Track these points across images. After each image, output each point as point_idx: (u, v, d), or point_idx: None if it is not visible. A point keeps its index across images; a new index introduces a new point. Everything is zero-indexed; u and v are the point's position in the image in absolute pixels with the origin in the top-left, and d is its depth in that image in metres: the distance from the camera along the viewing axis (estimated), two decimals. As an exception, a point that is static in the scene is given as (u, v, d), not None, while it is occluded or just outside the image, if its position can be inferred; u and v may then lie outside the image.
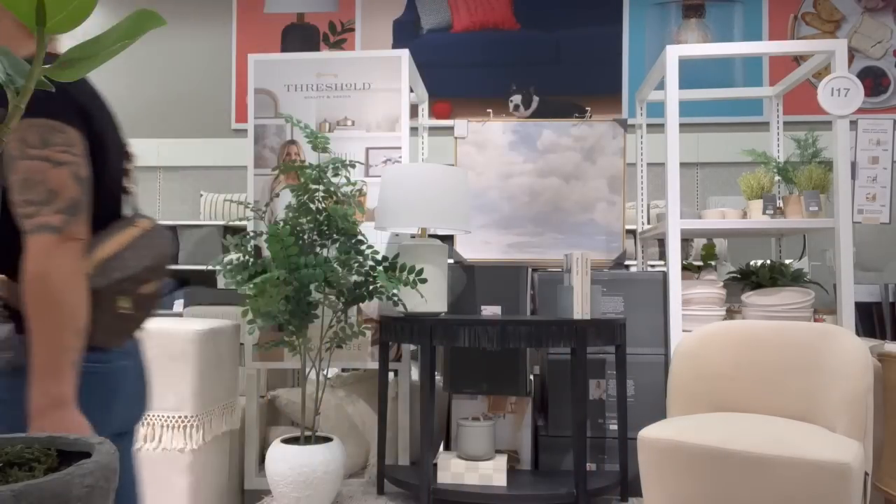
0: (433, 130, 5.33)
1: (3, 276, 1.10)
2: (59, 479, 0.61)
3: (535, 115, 5.30)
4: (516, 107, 5.32)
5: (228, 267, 2.46)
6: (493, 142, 3.16)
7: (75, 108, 1.11)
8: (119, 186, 1.25)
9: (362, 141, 2.99)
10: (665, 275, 2.88)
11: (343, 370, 3.62)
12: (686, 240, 4.65)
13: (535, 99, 5.33)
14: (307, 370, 2.82)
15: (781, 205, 2.95)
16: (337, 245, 2.59)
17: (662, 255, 4.78)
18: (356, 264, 2.58)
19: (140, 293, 1.18)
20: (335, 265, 2.49)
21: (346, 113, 3.01)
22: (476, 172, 3.17)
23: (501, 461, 2.60)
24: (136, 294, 1.17)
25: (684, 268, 3.41)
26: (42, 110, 1.05)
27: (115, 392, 1.21)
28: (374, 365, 2.89)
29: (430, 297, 2.62)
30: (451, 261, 3.13)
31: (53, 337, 1.04)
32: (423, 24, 5.45)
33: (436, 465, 2.68)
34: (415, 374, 3.46)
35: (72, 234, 1.06)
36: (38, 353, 1.04)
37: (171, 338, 2.41)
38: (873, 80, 5.06)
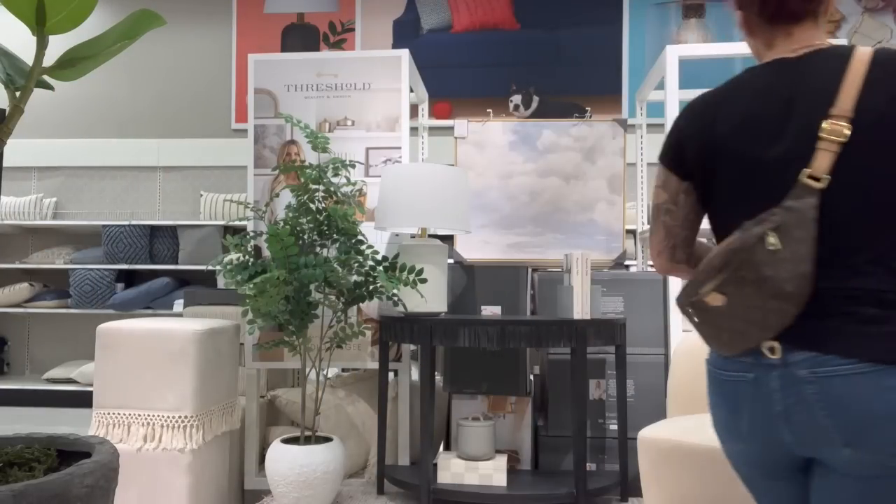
0: (433, 130, 5.33)
1: None
2: (59, 479, 0.61)
3: (535, 115, 5.30)
4: (516, 107, 5.32)
5: (228, 267, 2.46)
6: (493, 142, 3.17)
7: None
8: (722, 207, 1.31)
9: (362, 141, 3.00)
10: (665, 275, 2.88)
11: (343, 370, 3.62)
12: (686, 240, 4.65)
13: (535, 99, 5.33)
14: (307, 370, 2.82)
15: (781, 205, 2.95)
16: (337, 245, 2.59)
17: (662, 255, 4.76)
18: (356, 264, 2.58)
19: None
20: (335, 265, 2.49)
21: (346, 113, 3.01)
22: (476, 172, 3.17)
23: (501, 461, 2.60)
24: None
25: (684, 268, 3.40)
26: None
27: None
28: (374, 365, 2.90)
29: (430, 297, 2.62)
30: (451, 261, 3.13)
31: None
32: (423, 24, 5.45)
33: (436, 465, 2.69)
34: (415, 374, 3.46)
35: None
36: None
37: (171, 338, 2.41)
38: (873, 80, 5.06)
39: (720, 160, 1.20)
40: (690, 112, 1.26)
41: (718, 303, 1.12)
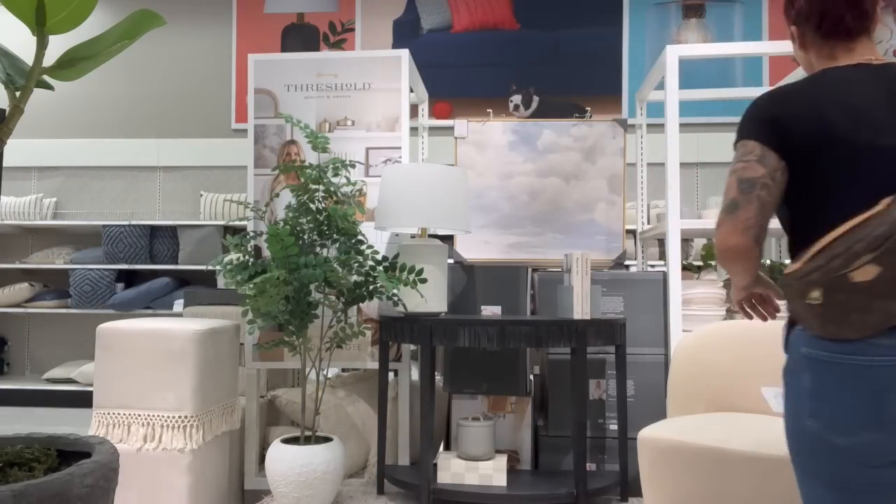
0: (433, 130, 5.33)
1: None
2: (59, 479, 0.61)
3: (535, 115, 5.30)
4: (516, 107, 5.32)
5: (228, 267, 2.46)
6: (493, 142, 3.17)
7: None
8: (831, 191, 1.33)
9: (362, 141, 2.99)
10: (665, 275, 2.88)
11: (343, 370, 3.62)
12: (686, 240, 4.65)
13: (535, 99, 5.33)
14: (307, 370, 2.83)
15: (781, 205, 2.95)
16: (337, 245, 2.59)
17: (662, 255, 4.78)
18: (356, 264, 2.58)
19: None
20: (335, 265, 2.49)
21: (346, 113, 3.01)
22: (476, 172, 3.17)
23: (501, 461, 2.60)
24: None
25: (684, 268, 3.41)
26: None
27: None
28: (374, 365, 2.90)
29: (430, 297, 2.62)
30: (451, 261, 3.13)
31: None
32: (423, 24, 5.45)
33: (436, 465, 2.69)
34: (415, 374, 3.46)
35: (720, 231, 1.34)
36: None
37: (171, 338, 2.41)
38: (873, 80, 5.06)
39: (825, 146, 1.24)
40: (784, 97, 1.30)
41: (870, 276, 1.10)
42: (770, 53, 2.84)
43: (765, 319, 1.52)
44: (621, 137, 3.14)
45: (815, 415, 1.18)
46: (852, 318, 1.12)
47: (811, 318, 1.17)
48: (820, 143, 1.24)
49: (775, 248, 3.43)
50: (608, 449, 2.83)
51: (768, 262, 3.20)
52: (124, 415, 2.40)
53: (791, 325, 1.30)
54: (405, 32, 5.46)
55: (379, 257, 2.88)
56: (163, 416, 2.38)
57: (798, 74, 3.21)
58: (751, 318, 1.53)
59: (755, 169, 1.29)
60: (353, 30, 5.49)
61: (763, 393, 2.31)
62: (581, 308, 2.55)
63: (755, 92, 3.58)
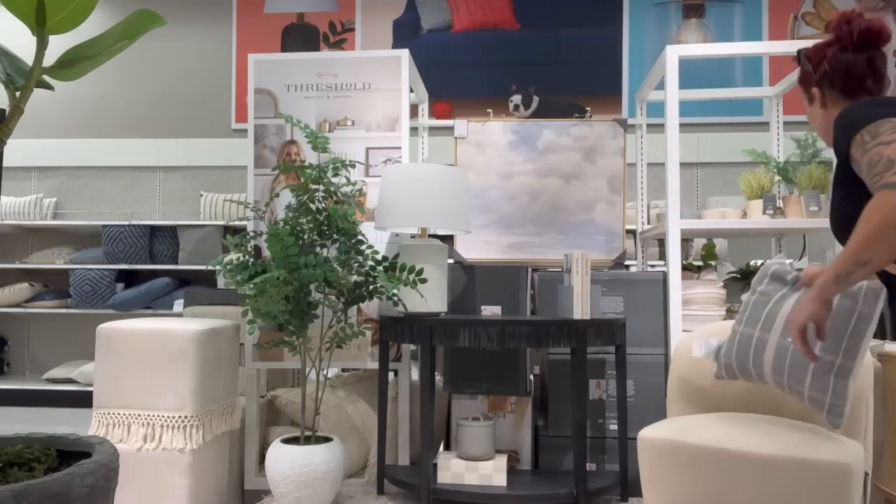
0: (433, 130, 5.33)
1: None
2: (59, 479, 0.61)
3: (535, 115, 5.30)
4: (516, 107, 5.32)
5: (228, 267, 2.46)
6: (493, 142, 3.17)
7: None
8: None
9: (362, 141, 3.00)
10: (665, 275, 2.88)
11: (343, 370, 3.62)
12: (686, 240, 4.65)
13: (535, 99, 5.33)
14: (307, 370, 2.83)
15: (781, 205, 2.95)
16: (337, 245, 2.59)
17: (662, 255, 4.78)
18: (356, 264, 2.58)
19: None
20: (335, 265, 2.49)
21: (346, 113, 3.01)
22: (476, 172, 3.17)
23: (501, 461, 2.60)
24: None
25: (684, 268, 3.41)
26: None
27: None
28: (374, 365, 2.90)
29: (430, 297, 2.62)
30: (451, 261, 3.13)
31: (850, 244, 1.41)
32: (423, 24, 5.45)
33: (436, 465, 2.69)
34: (415, 374, 3.46)
35: None
36: (842, 250, 1.44)
37: (171, 338, 2.41)
38: (873, 80, 5.06)
39: None
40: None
41: None
42: (770, 53, 2.84)
43: (814, 360, 1.61)
44: (621, 137, 3.14)
45: None
46: None
47: None
48: None
49: (775, 249, 3.43)
50: (608, 449, 2.83)
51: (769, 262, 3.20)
52: (124, 415, 2.40)
53: None
54: (405, 32, 5.46)
55: (379, 257, 2.88)
56: (163, 416, 2.38)
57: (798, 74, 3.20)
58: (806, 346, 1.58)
59: None
60: (353, 30, 5.49)
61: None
62: (581, 308, 2.55)
63: (755, 92, 3.57)
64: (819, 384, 2.04)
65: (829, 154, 3.03)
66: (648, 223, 4.77)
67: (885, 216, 1.36)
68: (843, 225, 1.54)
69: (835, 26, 1.64)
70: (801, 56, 1.75)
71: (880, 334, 3.45)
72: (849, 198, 1.58)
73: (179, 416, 2.38)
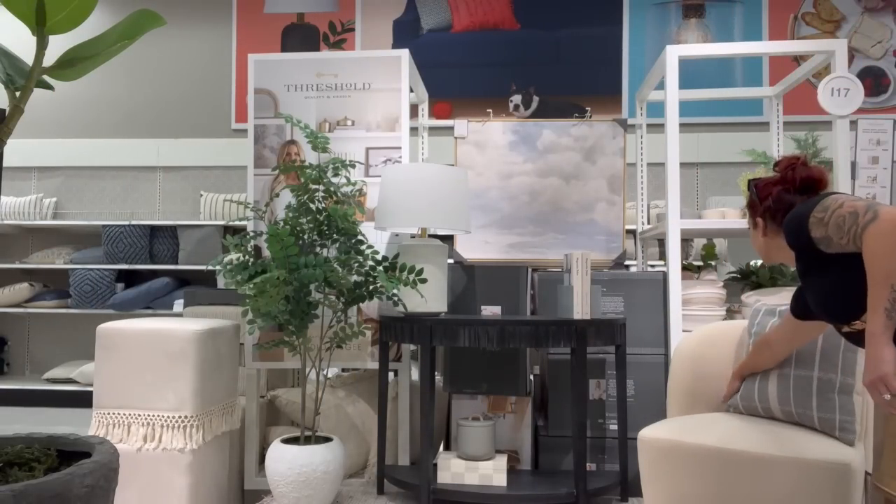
0: (433, 130, 5.33)
1: None
2: (59, 479, 0.61)
3: (535, 115, 5.30)
4: (516, 107, 5.32)
5: (228, 267, 2.46)
6: (493, 142, 3.17)
7: None
8: None
9: (362, 141, 3.00)
10: (665, 275, 2.88)
11: (343, 370, 3.62)
12: (686, 240, 4.65)
13: (535, 99, 5.33)
14: (307, 370, 2.83)
15: (781, 205, 2.95)
16: (337, 245, 2.59)
17: (662, 255, 4.78)
18: (356, 264, 2.58)
19: None
20: (335, 265, 2.49)
21: (346, 113, 3.01)
22: (476, 172, 3.17)
23: (501, 461, 2.60)
24: None
25: (684, 268, 3.41)
26: None
27: None
28: (374, 365, 2.90)
29: (430, 297, 2.62)
30: (451, 261, 3.13)
31: (876, 281, 1.46)
32: (423, 24, 5.45)
33: (436, 465, 2.69)
34: (415, 374, 3.46)
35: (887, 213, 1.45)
36: (870, 293, 1.48)
37: (171, 338, 2.41)
38: (873, 80, 5.06)
39: None
40: None
41: None
42: (770, 53, 2.84)
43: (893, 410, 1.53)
44: (621, 137, 3.14)
45: None
46: None
47: None
48: None
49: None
50: (608, 449, 2.82)
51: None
52: (124, 415, 2.40)
53: None
54: (405, 32, 5.46)
55: (379, 257, 2.88)
56: (163, 416, 2.38)
57: (799, 74, 3.21)
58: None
59: None
60: (353, 30, 5.49)
61: None
62: (581, 308, 2.55)
63: (755, 92, 3.58)
64: (825, 404, 2.05)
65: (829, 154, 3.03)
66: (648, 223, 4.77)
67: (891, 238, 1.43)
68: (832, 297, 1.62)
69: (781, 169, 1.85)
70: (751, 188, 1.92)
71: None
72: (827, 276, 1.65)
73: (179, 416, 2.38)
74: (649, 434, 2.04)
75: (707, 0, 5.24)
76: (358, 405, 3.04)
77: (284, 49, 5.50)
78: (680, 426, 2.06)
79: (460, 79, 5.40)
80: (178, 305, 5.03)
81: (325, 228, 2.59)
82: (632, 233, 4.56)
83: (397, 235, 2.98)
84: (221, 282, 4.57)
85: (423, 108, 3.64)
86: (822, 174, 1.81)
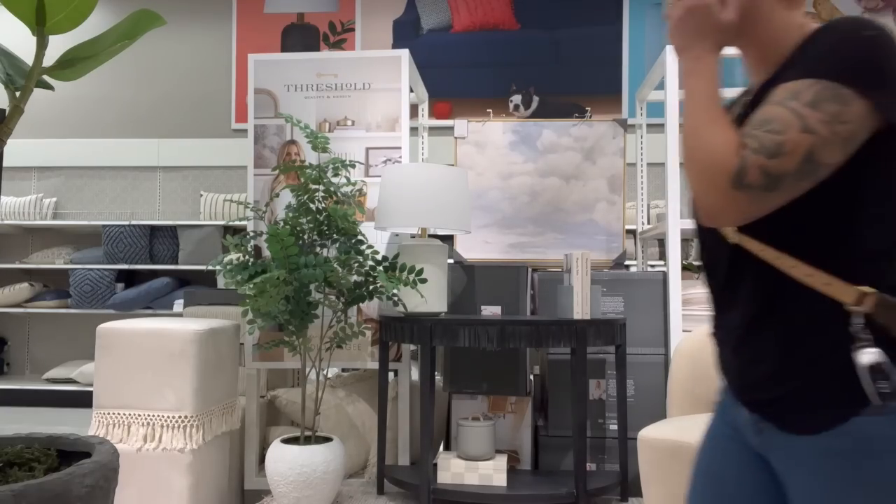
0: (433, 130, 5.33)
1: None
2: (59, 479, 0.61)
3: (535, 115, 5.30)
4: (516, 107, 5.32)
5: (228, 267, 2.46)
6: (494, 142, 3.17)
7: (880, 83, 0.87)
8: None
9: (362, 141, 2.99)
10: (665, 275, 2.88)
11: (343, 370, 3.62)
12: (686, 240, 4.65)
13: (535, 99, 5.33)
14: (307, 370, 2.82)
15: (781, 205, 2.95)
16: (337, 245, 2.59)
17: (662, 255, 4.78)
18: (356, 264, 2.58)
19: None
20: (335, 265, 2.49)
21: (346, 113, 3.01)
22: (476, 172, 3.17)
23: (501, 461, 2.60)
24: None
25: (684, 268, 3.41)
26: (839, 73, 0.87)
27: None
28: (374, 365, 2.90)
29: (430, 297, 2.62)
30: (451, 261, 3.13)
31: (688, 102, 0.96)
32: (423, 24, 5.45)
33: (436, 465, 2.69)
34: (415, 374, 3.46)
35: (738, 201, 0.88)
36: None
37: (171, 338, 2.41)
38: (873, 80, 5.06)
39: None
40: None
41: None
42: (770, 53, 2.84)
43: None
44: (621, 137, 3.14)
45: None
46: None
47: None
48: None
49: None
50: (608, 449, 2.82)
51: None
52: (124, 415, 2.40)
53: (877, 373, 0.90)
54: (405, 32, 5.46)
55: (379, 257, 2.88)
56: (163, 416, 2.38)
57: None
58: None
59: (834, 150, 0.89)
60: (353, 30, 5.49)
61: None
62: (581, 308, 2.55)
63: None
64: None
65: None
66: (648, 223, 4.77)
67: (700, 153, 0.91)
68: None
69: None
70: None
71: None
72: None
73: (179, 416, 2.38)
74: (649, 434, 2.04)
75: (707, 0, 5.24)
76: (358, 405, 3.04)
77: (284, 49, 5.50)
78: (680, 426, 2.06)
79: (460, 79, 5.40)
80: (178, 305, 5.03)
81: (325, 228, 2.59)
82: (632, 233, 4.56)
83: (397, 235, 2.98)
84: (221, 282, 4.57)
85: (423, 108, 3.64)
86: None
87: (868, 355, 0.89)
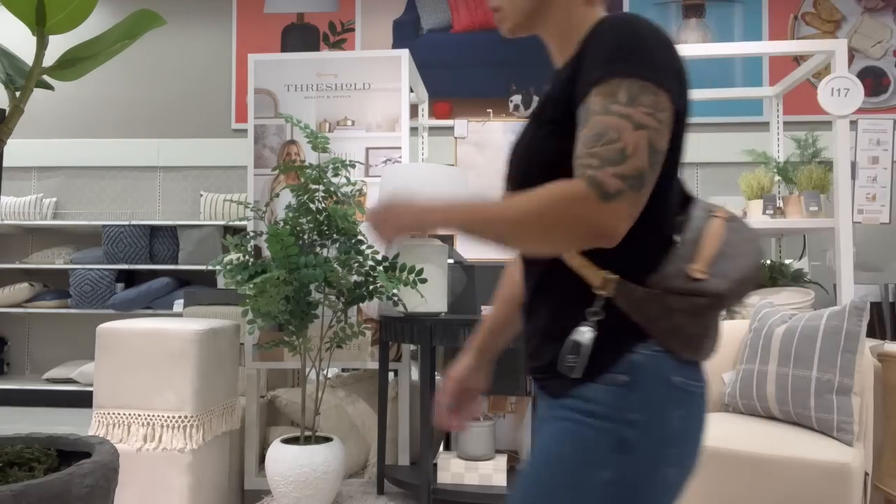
0: (433, 130, 5.33)
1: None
2: (59, 479, 0.61)
3: (535, 115, 5.30)
4: (516, 107, 5.32)
5: (228, 267, 2.46)
6: (493, 142, 3.17)
7: (673, 70, 0.93)
8: (678, 170, 1.00)
9: (362, 141, 2.99)
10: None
11: (343, 370, 3.62)
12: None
13: (535, 99, 5.32)
14: (307, 370, 2.82)
15: (781, 205, 2.95)
16: (337, 245, 2.59)
17: (662, 255, 4.77)
18: (356, 264, 2.58)
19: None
20: (335, 265, 2.49)
21: (346, 113, 3.01)
22: (476, 172, 3.17)
23: (501, 461, 2.60)
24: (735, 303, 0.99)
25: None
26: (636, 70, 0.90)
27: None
28: (374, 365, 2.90)
29: (430, 297, 2.62)
30: (451, 261, 3.13)
31: (476, 219, 0.93)
32: (423, 24, 5.45)
33: (436, 465, 2.69)
34: (415, 374, 3.46)
35: (617, 209, 0.86)
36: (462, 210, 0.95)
37: (172, 338, 2.41)
38: (873, 80, 5.06)
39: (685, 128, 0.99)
40: (677, 50, 0.98)
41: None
42: (770, 53, 2.84)
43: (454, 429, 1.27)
44: (621, 137, 3.14)
45: (679, 461, 0.94)
46: (709, 340, 0.98)
47: (678, 337, 0.94)
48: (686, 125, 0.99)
49: (775, 248, 3.42)
50: (608, 449, 2.82)
51: (769, 262, 3.20)
52: (124, 415, 2.40)
53: (627, 339, 0.94)
54: (405, 32, 5.46)
55: (379, 257, 2.88)
56: (163, 416, 2.38)
57: (799, 74, 3.20)
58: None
59: (664, 137, 0.91)
60: (353, 30, 5.49)
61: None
62: (581, 308, 2.55)
63: (755, 92, 3.57)
64: (823, 404, 2.05)
65: (829, 154, 3.03)
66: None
67: (590, 231, 0.86)
68: (534, 167, 1.00)
69: None
70: None
71: (880, 334, 3.45)
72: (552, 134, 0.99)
73: (179, 416, 2.38)
74: (649, 434, 2.04)
75: (707, 0, 5.24)
76: (358, 405, 3.04)
77: (284, 49, 5.50)
78: (680, 426, 2.06)
79: (460, 79, 5.39)
80: (178, 305, 5.03)
81: (325, 228, 2.59)
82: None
83: (397, 235, 2.98)
84: (221, 282, 4.57)
85: (423, 108, 3.64)
86: None
87: (578, 333, 0.95)
